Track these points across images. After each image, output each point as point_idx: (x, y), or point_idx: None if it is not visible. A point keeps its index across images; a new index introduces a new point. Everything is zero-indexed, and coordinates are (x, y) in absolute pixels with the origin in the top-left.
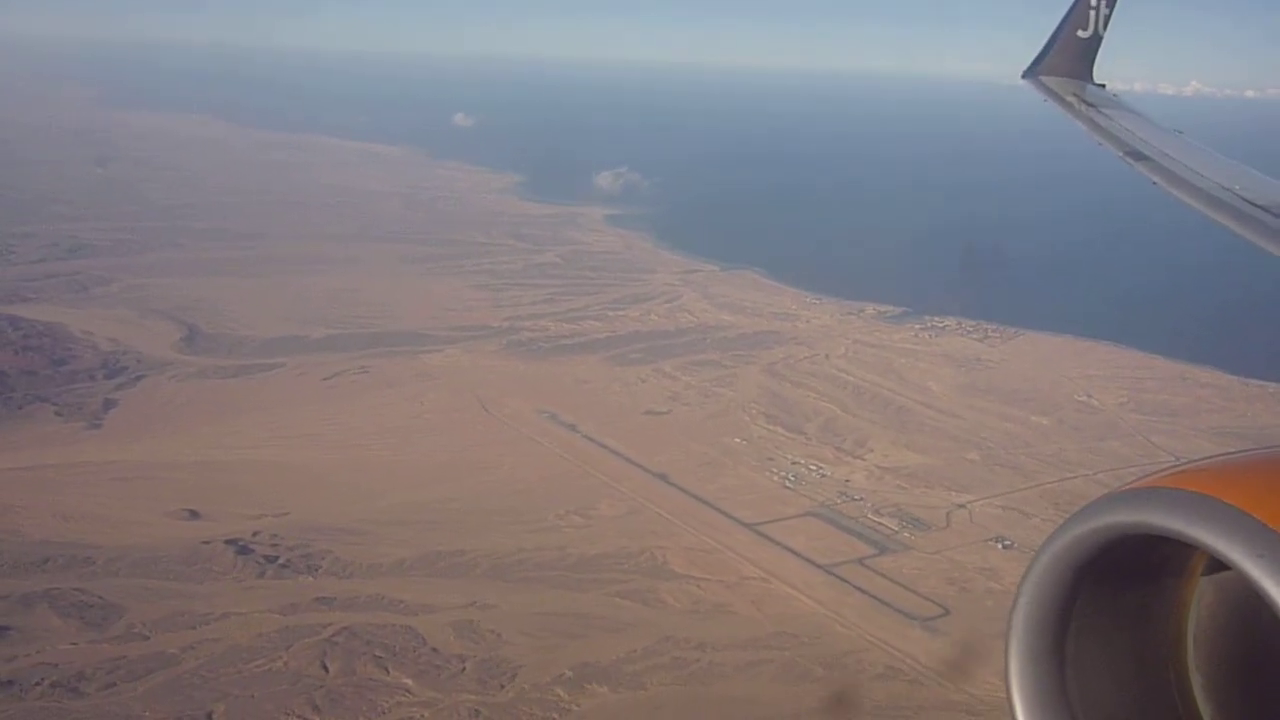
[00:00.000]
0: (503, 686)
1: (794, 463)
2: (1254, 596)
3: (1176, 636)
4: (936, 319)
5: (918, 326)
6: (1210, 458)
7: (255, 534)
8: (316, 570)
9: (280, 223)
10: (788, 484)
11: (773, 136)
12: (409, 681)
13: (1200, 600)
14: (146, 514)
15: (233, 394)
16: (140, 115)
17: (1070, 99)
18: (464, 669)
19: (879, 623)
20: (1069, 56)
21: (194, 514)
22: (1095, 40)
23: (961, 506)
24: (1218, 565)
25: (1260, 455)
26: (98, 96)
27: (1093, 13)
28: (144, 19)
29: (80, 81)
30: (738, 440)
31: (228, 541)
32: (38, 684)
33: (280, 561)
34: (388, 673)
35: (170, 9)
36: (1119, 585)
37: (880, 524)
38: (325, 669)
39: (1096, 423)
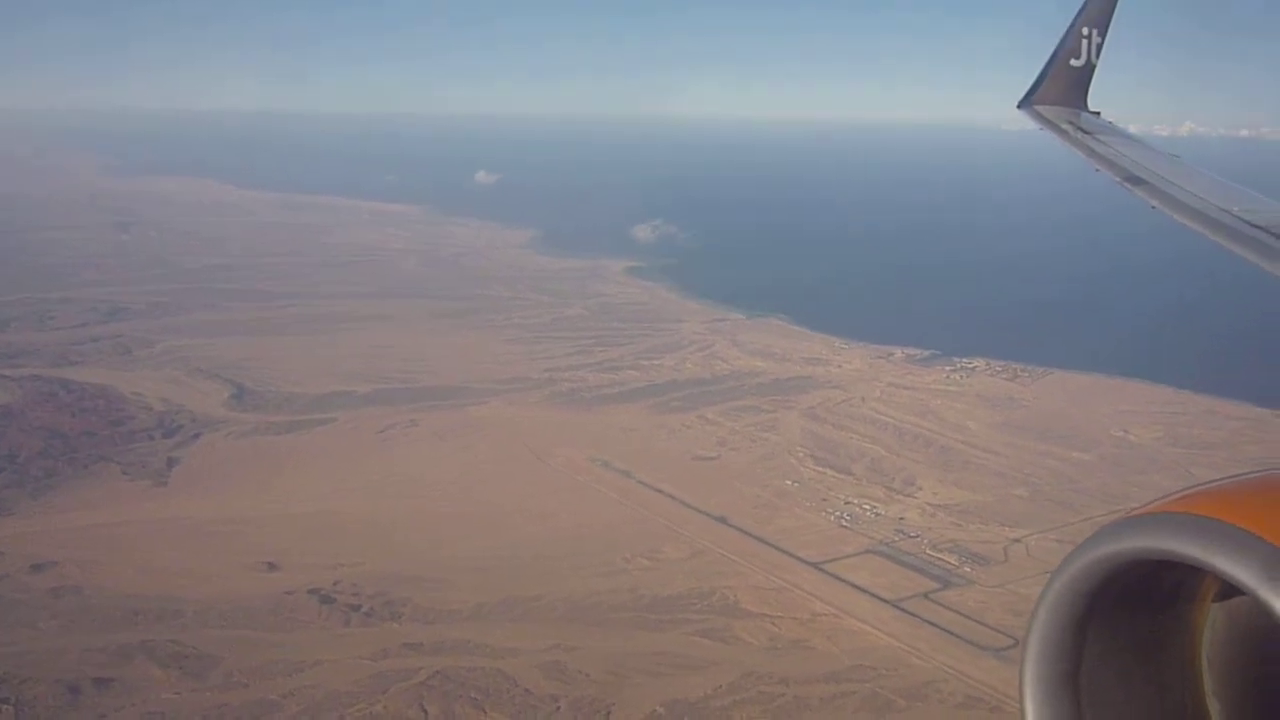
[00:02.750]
0: None
1: (847, 502)
2: (1267, 619)
3: (1190, 662)
4: (965, 360)
5: (948, 368)
6: (1216, 481)
7: (335, 584)
8: (400, 617)
9: (306, 282)
10: (844, 523)
11: (787, 186)
12: None
13: (1213, 624)
14: (226, 567)
15: (290, 449)
16: (150, 182)
17: (1066, 127)
18: (558, 708)
19: (953, 654)
20: (1063, 85)
21: (272, 566)
22: (1089, 69)
23: (1017, 541)
24: (1229, 589)
25: (1266, 477)
26: (106, 165)
27: (1085, 41)
28: (143, 88)
29: (86, 151)
30: (789, 482)
31: (310, 591)
32: None
33: (364, 610)
34: (485, 713)
35: (172, 77)
36: (1131, 611)
37: (940, 559)
38: (424, 711)
39: (1136, 457)
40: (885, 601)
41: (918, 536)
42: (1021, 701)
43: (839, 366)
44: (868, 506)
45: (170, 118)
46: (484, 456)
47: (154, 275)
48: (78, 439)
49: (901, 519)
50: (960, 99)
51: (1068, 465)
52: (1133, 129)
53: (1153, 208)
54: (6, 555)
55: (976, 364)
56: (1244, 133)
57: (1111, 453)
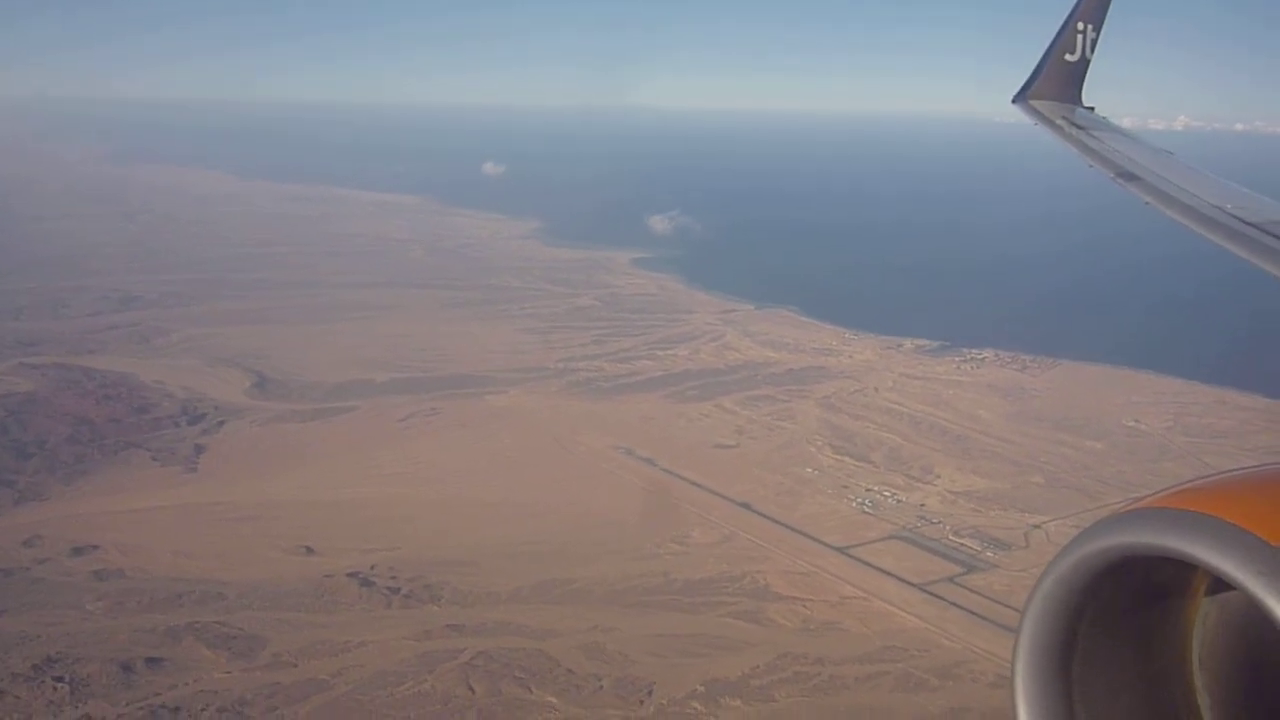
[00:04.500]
0: (641, 702)
1: (868, 490)
2: (1258, 615)
3: (1182, 657)
4: (974, 351)
5: (957, 359)
6: (1209, 476)
7: (372, 567)
8: (439, 600)
9: (314, 272)
10: (866, 509)
11: (789, 177)
12: (553, 699)
13: (1204, 620)
14: (264, 551)
15: (314, 436)
16: (152, 171)
17: (1060, 122)
18: (601, 687)
19: (982, 636)
20: (1058, 81)
21: (309, 550)
22: (1083, 64)
23: (1036, 527)
24: (1221, 585)
25: (1259, 473)
26: (106, 154)
27: (1080, 37)
28: (141, 78)
29: (86, 140)
30: (809, 470)
31: (349, 575)
32: (204, 710)
33: (403, 592)
34: (530, 692)
35: (171, 67)
36: (1123, 607)
37: (962, 545)
38: (471, 690)
39: (1148, 446)
40: (912, 585)
41: (939, 522)
42: (1013, 696)
43: (850, 357)
44: (888, 493)
45: (170, 107)
46: (508, 444)
47: (163, 265)
48: (104, 426)
49: (922, 505)
50: (955, 92)
51: (1082, 454)
52: (1127, 123)
53: (1145, 204)
54: (47, 539)
55: (986, 355)
56: (1239, 127)
57: (1124, 441)
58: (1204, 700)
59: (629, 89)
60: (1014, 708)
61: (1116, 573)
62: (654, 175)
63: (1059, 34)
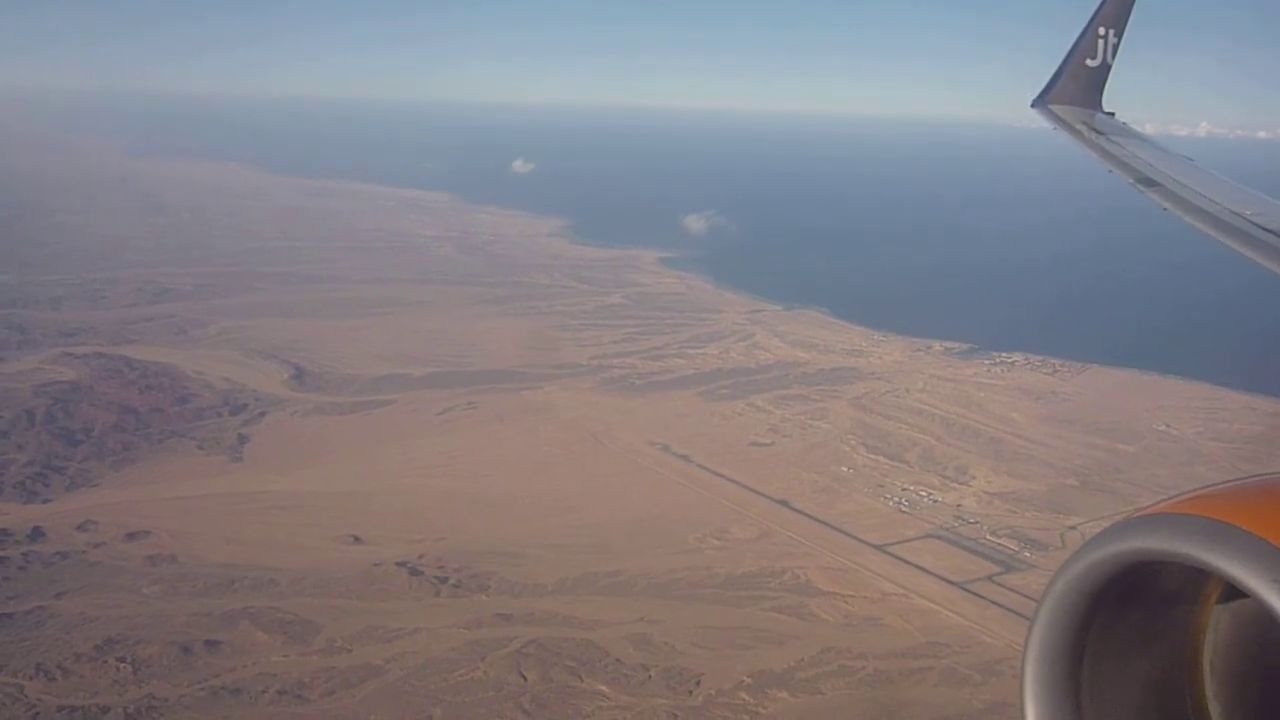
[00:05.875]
0: (690, 692)
1: (904, 489)
2: (1271, 622)
3: (1192, 664)
4: (1003, 355)
5: (987, 362)
6: (1221, 483)
7: (420, 557)
8: (487, 589)
9: (343, 267)
10: (903, 508)
11: (815, 181)
12: (603, 688)
13: (1216, 627)
14: (313, 539)
15: (355, 428)
16: (174, 164)
17: (1080, 127)
18: (650, 677)
19: (1022, 634)
20: (1078, 85)
21: (357, 539)
22: (1104, 69)
23: (1072, 528)
24: (1233, 591)
25: (1272, 479)
26: (127, 148)
27: (1101, 42)
28: (158, 71)
29: (110, 133)
30: (845, 469)
31: (397, 564)
32: (264, 692)
33: (451, 582)
34: (581, 680)
35: (189, 61)
36: (1133, 612)
37: (1000, 544)
38: (523, 677)
39: (1180, 450)
40: (951, 583)
41: (976, 522)
42: (1022, 701)
43: (879, 358)
44: (924, 493)
45: (188, 101)
46: (545, 439)
47: (194, 257)
48: (148, 415)
49: (959, 506)
50: (976, 97)
51: (1114, 456)
52: (1149, 129)
53: (1164, 210)
54: (100, 524)
55: (1015, 358)
56: (1262, 134)
57: (1155, 445)
58: (1215, 708)
59: (660, 89)
60: (1022, 711)
61: (1128, 577)
62: (681, 176)
63: (1080, 38)
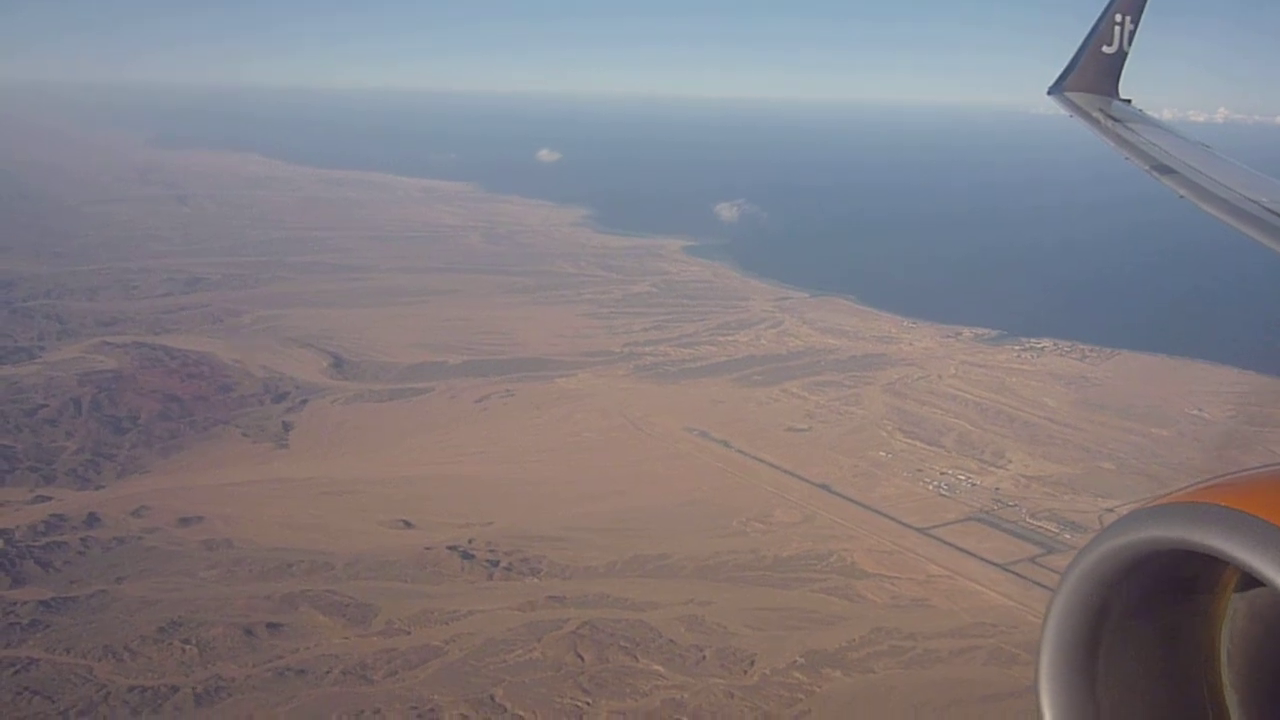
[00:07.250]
0: (745, 672)
1: (943, 473)
2: None
3: (1209, 653)
4: (1033, 340)
5: (1017, 348)
6: (1237, 472)
7: (470, 541)
8: (539, 573)
9: (373, 256)
10: (943, 492)
11: (836, 169)
12: (659, 668)
13: (1233, 616)
14: (363, 524)
15: (395, 415)
16: (196, 156)
17: (1096, 114)
18: (704, 657)
19: None
20: (1094, 72)
21: (407, 524)
22: (1120, 56)
23: (1110, 511)
24: (1251, 581)
25: None
26: (149, 139)
27: (1118, 29)
28: (173, 63)
29: (130, 125)
30: (882, 454)
31: (449, 548)
32: (328, 672)
33: (503, 565)
34: (637, 660)
35: (223, 53)
36: (1150, 601)
37: (1040, 527)
38: (580, 658)
39: (1214, 434)
40: (995, 565)
41: (1015, 505)
42: (1037, 689)
43: (910, 345)
44: (963, 477)
45: (212, 92)
46: (584, 425)
47: (221, 248)
48: (192, 403)
49: (997, 489)
50: (994, 84)
51: (1149, 440)
52: (1166, 115)
53: (1180, 197)
54: (153, 510)
55: (1044, 344)
56: None
57: (1189, 429)
58: (1232, 697)
59: (686, 79)
60: (1038, 701)
61: (1144, 566)
62: (704, 166)
63: (1096, 26)
